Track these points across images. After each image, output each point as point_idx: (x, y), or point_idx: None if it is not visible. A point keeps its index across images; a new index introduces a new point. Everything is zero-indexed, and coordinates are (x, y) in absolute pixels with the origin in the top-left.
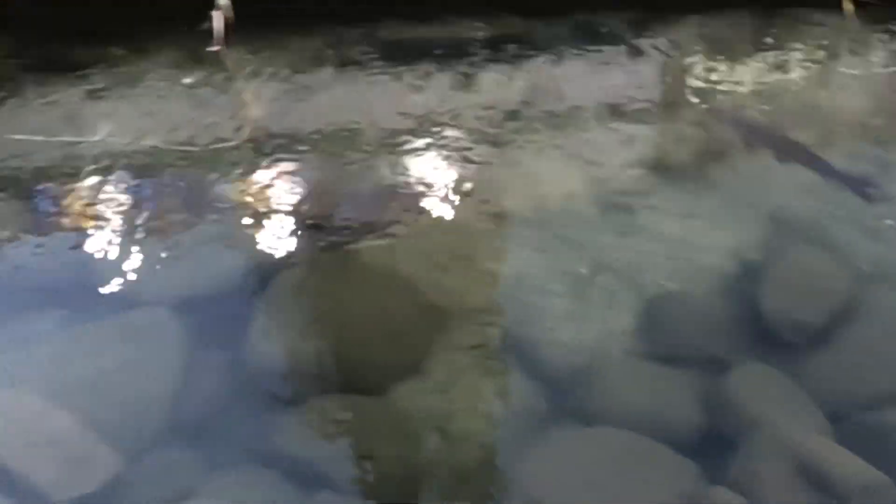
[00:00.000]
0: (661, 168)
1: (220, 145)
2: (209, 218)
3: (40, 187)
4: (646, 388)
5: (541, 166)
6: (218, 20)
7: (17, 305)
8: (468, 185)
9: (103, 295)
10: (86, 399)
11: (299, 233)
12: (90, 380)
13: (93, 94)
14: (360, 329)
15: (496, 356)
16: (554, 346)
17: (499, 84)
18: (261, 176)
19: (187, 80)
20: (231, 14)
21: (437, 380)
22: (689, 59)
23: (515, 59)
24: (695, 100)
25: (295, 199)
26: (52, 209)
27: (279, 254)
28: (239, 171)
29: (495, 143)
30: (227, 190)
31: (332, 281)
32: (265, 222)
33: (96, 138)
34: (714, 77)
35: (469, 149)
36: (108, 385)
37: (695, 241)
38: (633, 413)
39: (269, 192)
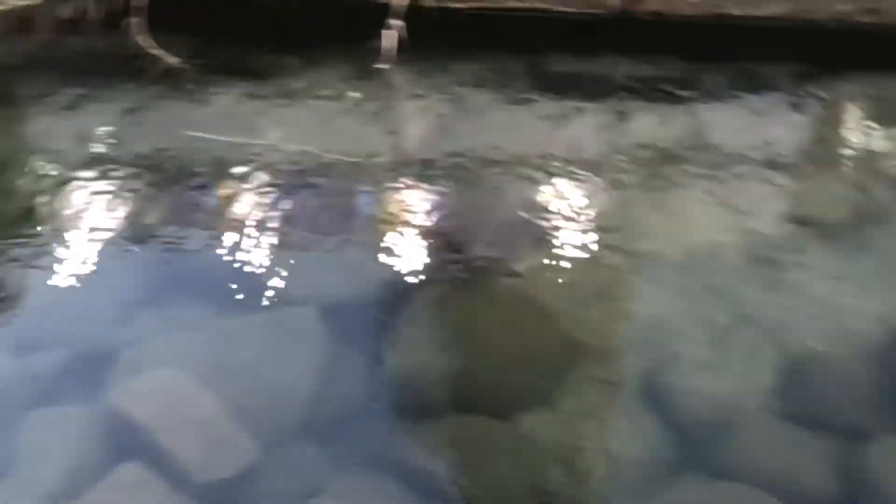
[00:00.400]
0: (813, 224)
1: (377, 160)
2: (359, 228)
3: (208, 183)
4: (781, 449)
5: (689, 211)
6: (389, 39)
7: (178, 292)
8: (614, 223)
9: (255, 290)
10: (232, 387)
11: (442, 253)
12: (238, 369)
13: (265, 100)
14: (494, 353)
15: (628, 397)
16: (688, 394)
17: (653, 125)
18: (410, 193)
19: (354, 94)
20: (404, 34)
21: (567, 413)
22: (851, 117)
23: (673, 102)
24: (854, 158)
25: (440, 219)
26: (217, 205)
27: (421, 271)
28: (391, 186)
29: (644, 183)
30: (379, 204)
31: (471, 302)
32: (410, 239)
33: (264, 142)
34: (876, 137)
35: (617, 187)
36: (253, 376)
37: (844, 304)
38: (765, 473)
39: (416, 209)
